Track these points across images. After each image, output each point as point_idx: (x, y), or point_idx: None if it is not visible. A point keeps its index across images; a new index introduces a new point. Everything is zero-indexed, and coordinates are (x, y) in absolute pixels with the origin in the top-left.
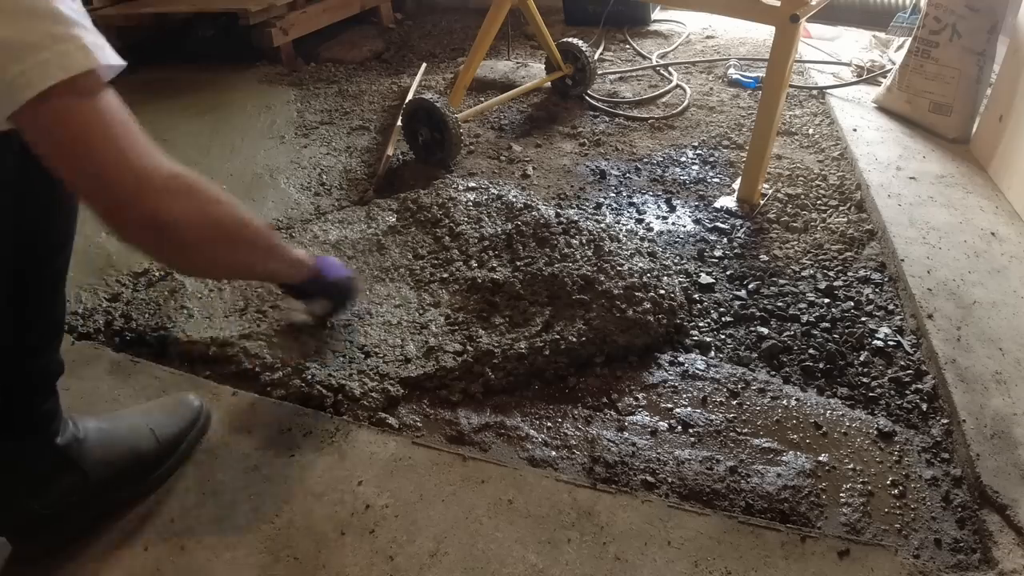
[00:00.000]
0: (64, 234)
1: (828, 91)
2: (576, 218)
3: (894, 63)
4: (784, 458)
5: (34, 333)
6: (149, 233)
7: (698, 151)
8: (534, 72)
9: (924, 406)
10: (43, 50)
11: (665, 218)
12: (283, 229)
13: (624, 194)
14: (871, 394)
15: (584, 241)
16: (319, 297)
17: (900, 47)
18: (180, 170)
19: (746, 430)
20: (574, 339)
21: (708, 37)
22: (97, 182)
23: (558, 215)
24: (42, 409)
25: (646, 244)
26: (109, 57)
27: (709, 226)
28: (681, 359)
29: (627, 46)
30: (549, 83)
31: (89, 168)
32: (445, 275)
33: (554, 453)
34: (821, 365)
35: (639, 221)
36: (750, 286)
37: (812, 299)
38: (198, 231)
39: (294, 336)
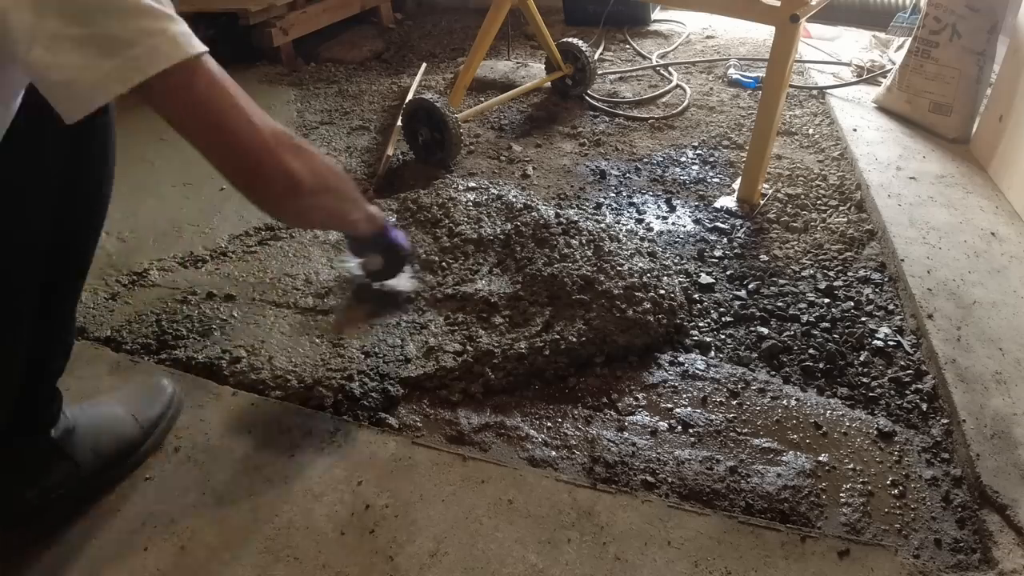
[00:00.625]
0: (94, 237)
1: (828, 91)
2: (576, 218)
3: (894, 63)
4: (784, 458)
5: (59, 345)
6: (280, 186)
7: (698, 151)
8: (534, 72)
9: (924, 406)
10: (137, 45)
11: (665, 218)
12: (282, 229)
13: (624, 194)
14: (871, 394)
15: (584, 241)
16: (376, 253)
17: (900, 47)
18: (284, 128)
19: (746, 430)
20: (574, 339)
21: (708, 37)
22: (229, 149)
23: (558, 215)
24: (49, 410)
25: (646, 244)
26: (197, 45)
27: (709, 226)
28: (681, 359)
29: (627, 46)
30: (549, 83)
31: (221, 138)
32: None
33: (554, 453)
34: (821, 365)
35: (639, 221)
36: (750, 286)
37: (812, 299)
38: (314, 181)
39: (350, 304)
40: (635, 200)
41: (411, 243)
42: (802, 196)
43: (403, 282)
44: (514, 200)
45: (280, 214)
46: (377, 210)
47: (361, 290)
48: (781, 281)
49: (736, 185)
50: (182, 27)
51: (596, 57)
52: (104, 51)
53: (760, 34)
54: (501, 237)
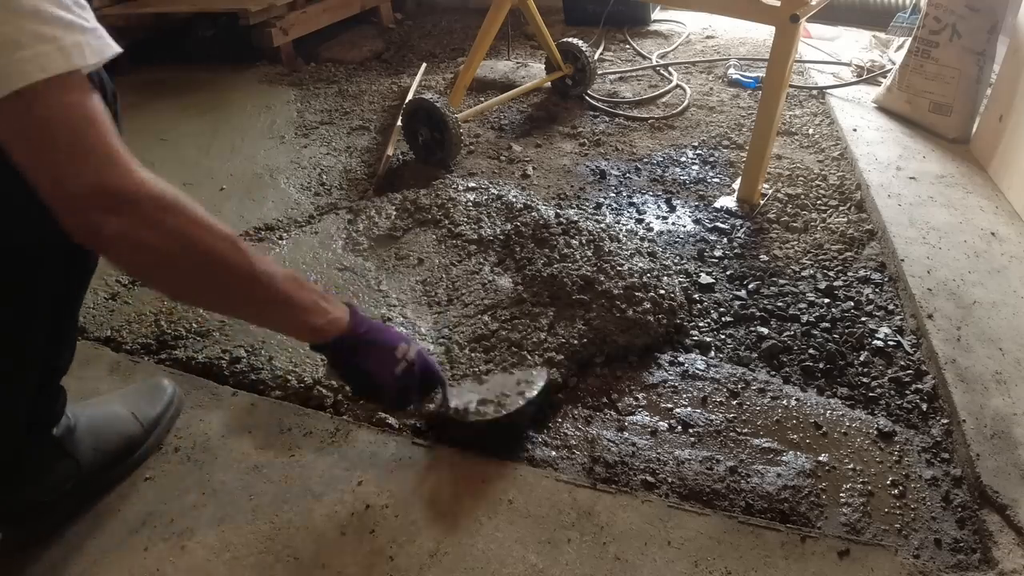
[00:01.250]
0: None
1: (828, 91)
2: (576, 218)
3: (894, 63)
4: (784, 458)
5: (64, 343)
6: (92, 243)
7: (698, 151)
8: (534, 72)
9: (924, 406)
10: (22, 48)
11: (665, 218)
12: (283, 229)
13: (624, 194)
14: (871, 394)
15: (584, 241)
16: (335, 371)
17: (900, 47)
18: (159, 189)
19: (746, 430)
20: (574, 340)
21: (708, 37)
22: (52, 183)
23: (558, 215)
24: (52, 408)
25: (646, 244)
26: (89, 56)
27: (709, 226)
28: (681, 359)
29: (627, 46)
30: (549, 83)
31: (45, 169)
32: None
33: (554, 453)
34: (821, 365)
35: (639, 221)
36: (750, 286)
37: (812, 299)
38: (169, 245)
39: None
40: (635, 200)
41: (434, 365)
42: (802, 196)
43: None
44: (514, 200)
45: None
46: (335, 316)
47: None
48: (781, 281)
49: (736, 185)
50: (79, 36)
51: (596, 57)
52: None
53: (760, 34)
54: (501, 237)
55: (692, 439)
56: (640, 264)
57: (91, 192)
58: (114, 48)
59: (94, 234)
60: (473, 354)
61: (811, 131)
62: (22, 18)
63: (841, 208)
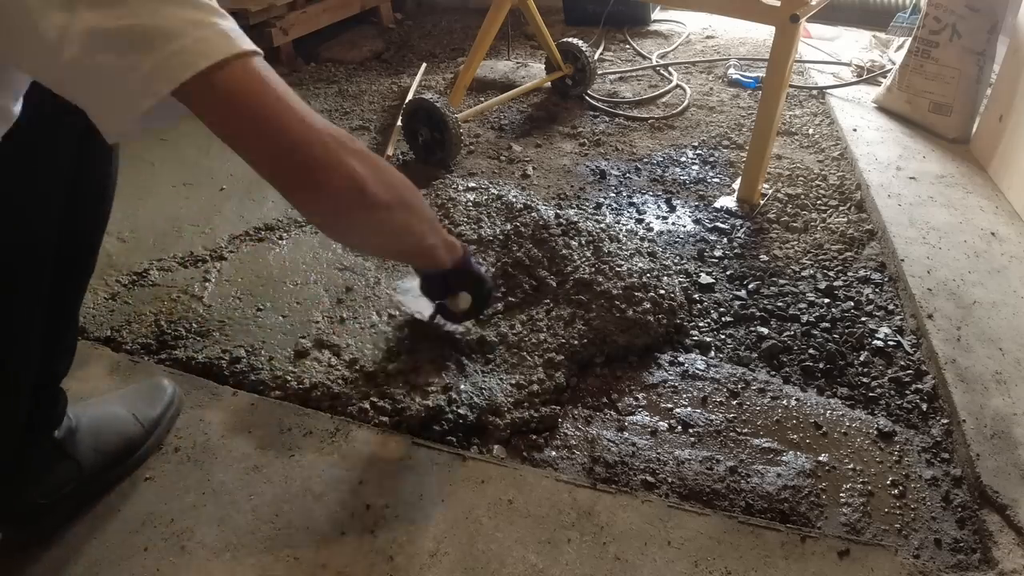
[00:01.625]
0: (100, 236)
1: (828, 91)
2: (576, 218)
3: (894, 63)
4: (784, 458)
5: (64, 346)
6: (342, 191)
7: (698, 151)
8: (534, 72)
9: (924, 406)
10: (183, 37)
11: (665, 218)
12: (283, 229)
13: (624, 194)
14: (871, 394)
15: (584, 242)
16: (460, 290)
17: (900, 47)
18: (352, 138)
19: (746, 430)
20: (575, 340)
21: (708, 37)
22: (280, 148)
23: (558, 215)
24: (54, 411)
25: (646, 244)
26: (249, 43)
27: (709, 226)
28: (681, 359)
29: (627, 46)
30: (549, 83)
31: (271, 137)
32: None
33: (554, 453)
34: (821, 365)
35: (639, 221)
36: (750, 286)
37: (812, 299)
38: (385, 191)
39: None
40: (635, 200)
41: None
42: (802, 196)
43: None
44: (514, 200)
45: (340, 228)
46: (454, 238)
47: (422, 328)
48: (781, 281)
49: (736, 185)
50: (232, 23)
51: (596, 57)
52: (145, 45)
53: (760, 34)
54: (500, 238)
55: (692, 439)
56: (640, 264)
57: (330, 139)
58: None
59: (355, 177)
60: (473, 354)
61: (811, 131)
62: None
63: (841, 208)
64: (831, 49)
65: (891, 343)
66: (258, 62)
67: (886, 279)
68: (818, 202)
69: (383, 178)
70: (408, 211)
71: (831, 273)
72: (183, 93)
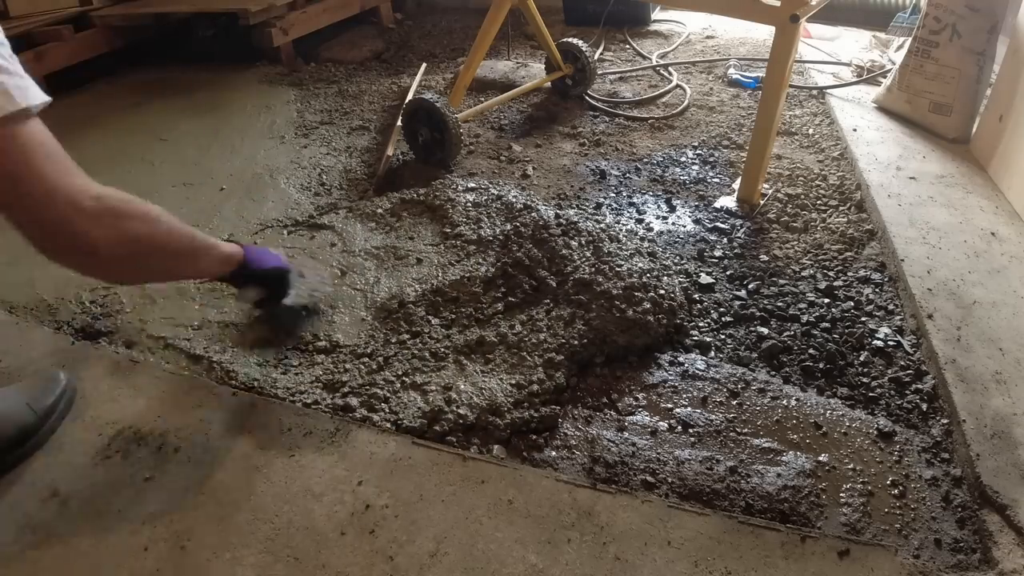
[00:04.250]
0: None
1: (828, 91)
2: (576, 218)
3: (894, 63)
4: (784, 458)
5: None
6: (76, 256)
7: (698, 151)
8: (534, 72)
9: (924, 406)
10: None
11: (665, 218)
12: (285, 228)
13: (624, 194)
14: (871, 394)
15: (584, 242)
16: (250, 286)
17: (900, 47)
18: (103, 191)
19: (746, 430)
20: (575, 340)
21: (708, 37)
22: (26, 206)
23: (558, 216)
24: None
25: (646, 244)
26: (32, 97)
27: (709, 226)
28: (681, 359)
29: (627, 46)
30: (549, 83)
31: (18, 198)
32: None
33: (554, 453)
34: (821, 365)
35: (639, 221)
36: (750, 286)
37: (812, 299)
38: (121, 249)
39: (251, 325)
40: (635, 200)
41: (283, 259)
42: (802, 196)
43: (299, 297)
44: (514, 200)
45: (93, 277)
46: (231, 248)
47: (259, 315)
48: (781, 281)
49: (736, 185)
50: (18, 80)
51: (596, 57)
52: None
53: (760, 34)
54: (500, 238)
55: (692, 439)
56: (640, 264)
57: (65, 203)
58: (45, 97)
59: (82, 242)
60: (473, 354)
61: (811, 131)
62: None
63: (841, 208)
64: (831, 49)
65: (891, 343)
66: (28, 126)
67: (886, 279)
68: (818, 202)
69: (121, 236)
70: (154, 257)
71: (831, 273)
72: None
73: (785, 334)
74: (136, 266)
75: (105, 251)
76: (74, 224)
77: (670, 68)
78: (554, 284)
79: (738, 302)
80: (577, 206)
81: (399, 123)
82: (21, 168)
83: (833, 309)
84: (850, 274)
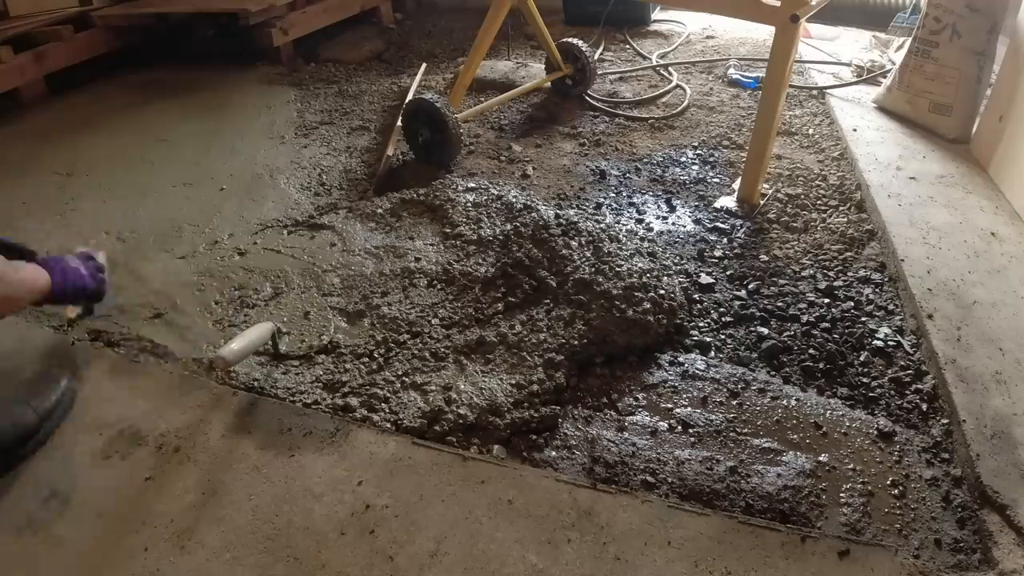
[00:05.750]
0: None
1: (828, 91)
2: (576, 219)
3: (894, 63)
4: (784, 458)
5: None
6: None
7: (698, 151)
8: (534, 72)
9: (924, 406)
10: None
11: (665, 218)
12: (285, 228)
13: (624, 194)
14: (871, 394)
15: (584, 242)
16: (69, 303)
17: (900, 47)
18: None
19: (746, 430)
20: (575, 340)
21: (708, 37)
22: None
23: (558, 216)
24: None
25: (646, 244)
26: None
27: (709, 226)
28: (681, 359)
29: (627, 46)
30: (549, 83)
31: None
32: None
33: (554, 453)
34: (821, 365)
35: (639, 221)
36: (750, 286)
37: (812, 299)
38: None
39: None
40: (635, 200)
41: (87, 266)
42: (802, 196)
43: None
44: (514, 200)
45: None
46: (36, 274)
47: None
48: (781, 281)
49: (736, 185)
50: None
51: (596, 57)
52: None
53: (760, 34)
54: (500, 238)
55: (692, 439)
56: (640, 264)
57: None
58: None
59: None
60: (473, 355)
61: (811, 131)
62: None
63: (841, 208)
64: (831, 49)
65: (891, 343)
66: None
67: (886, 279)
68: (818, 202)
69: None
70: None
71: (831, 273)
72: None
73: (785, 334)
74: None
75: None
76: None
77: (670, 68)
78: (554, 284)
79: (738, 302)
80: (577, 206)
81: (399, 123)
82: None
83: (833, 309)
84: (850, 274)
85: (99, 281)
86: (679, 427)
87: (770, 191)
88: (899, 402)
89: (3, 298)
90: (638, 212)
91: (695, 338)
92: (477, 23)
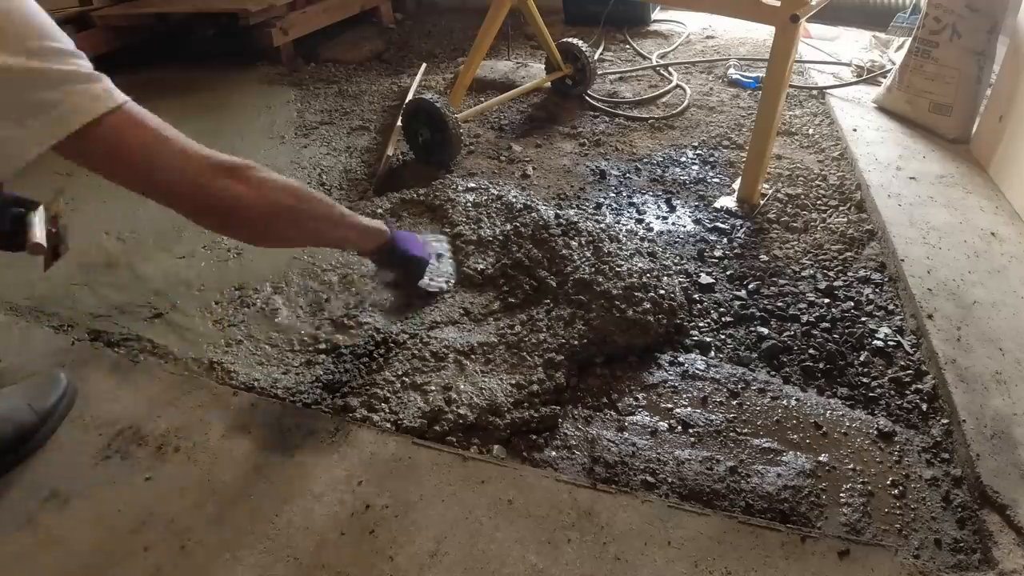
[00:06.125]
0: None
1: (828, 91)
2: (576, 218)
3: (894, 63)
4: (784, 458)
5: None
6: (224, 211)
7: (698, 151)
8: (534, 72)
9: (924, 406)
10: (68, 98)
11: (665, 218)
12: None
13: (624, 194)
14: (871, 394)
15: (584, 242)
16: (387, 267)
17: (900, 47)
18: (231, 159)
19: (746, 430)
20: (575, 340)
21: (708, 37)
22: (165, 186)
23: (558, 216)
24: None
25: (646, 244)
26: (117, 97)
27: (709, 226)
28: (681, 359)
29: (627, 46)
30: (549, 83)
31: (153, 177)
32: None
33: (554, 453)
34: (821, 365)
35: (639, 221)
36: (750, 286)
37: (812, 299)
38: (263, 204)
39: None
40: (635, 200)
41: (432, 249)
42: (802, 196)
43: (432, 282)
44: (514, 200)
45: (236, 236)
46: (377, 224)
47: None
48: (781, 281)
49: (736, 185)
50: (104, 84)
51: (596, 57)
52: (31, 114)
53: (760, 34)
54: (500, 238)
55: (692, 439)
56: (640, 264)
57: (195, 180)
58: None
59: (219, 203)
60: (473, 355)
61: (811, 131)
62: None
63: (841, 208)
64: (831, 49)
65: (891, 343)
66: (128, 111)
67: (886, 279)
68: (818, 202)
69: (263, 191)
70: (294, 216)
71: (831, 273)
72: (70, 149)
73: (785, 334)
74: (276, 227)
75: (253, 207)
76: (211, 189)
77: (670, 68)
78: (554, 284)
79: (738, 302)
80: (577, 206)
81: (399, 123)
82: (149, 152)
83: (833, 309)
84: (850, 274)
85: (429, 256)
86: (679, 427)
87: (770, 191)
88: (899, 402)
89: (330, 218)
90: (638, 212)
91: (695, 338)
92: (477, 23)
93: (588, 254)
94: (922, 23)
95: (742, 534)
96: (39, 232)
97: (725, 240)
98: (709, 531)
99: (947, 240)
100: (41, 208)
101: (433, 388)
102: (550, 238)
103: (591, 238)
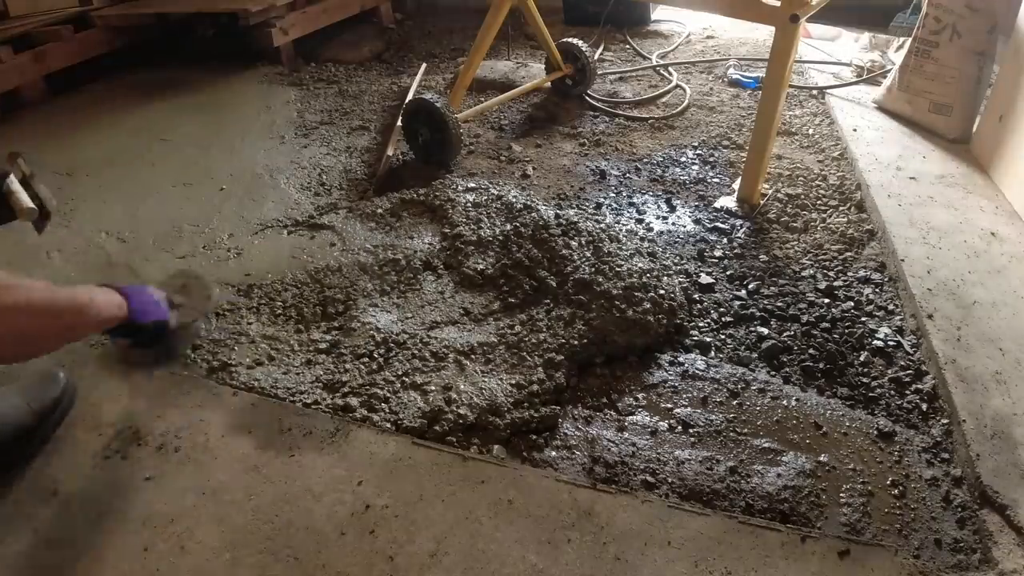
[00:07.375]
0: None
1: (828, 91)
2: (576, 219)
3: (894, 63)
4: (784, 458)
5: None
6: None
7: (698, 151)
8: (534, 72)
9: (924, 406)
10: None
11: (665, 218)
12: (285, 228)
13: (624, 194)
14: (871, 394)
15: (584, 242)
16: (126, 336)
17: (900, 47)
18: None
19: (746, 430)
20: (575, 340)
21: (708, 37)
22: None
23: (558, 216)
24: None
25: (646, 244)
26: None
27: (709, 226)
28: (681, 359)
29: (627, 46)
30: (549, 83)
31: None
32: None
33: (554, 453)
34: (821, 365)
35: (639, 221)
36: (750, 286)
37: (812, 299)
38: None
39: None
40: (635, 200)
41: (165, 308)
42: (802, 196)
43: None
44: (514, 200)
45: None
46: (114, 300)
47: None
48: (781, 281)
49: (736, 185)
50: None
51: (596, 57)
52: None
53: (760, 34)
54: (500, 238)
55: (692, 439)
56: (640, 264)
57: None
58: None
59: None
60: (473, 355)
61: (811, 131)
62: None
63: (841, 208)
64: (831, 49)
65: (891, 343)
66: None
67: (886, 279)
68: (818, 202)
69: None
70: (21, 334)
71: (831, 273)
72: None
73: (785, 334)
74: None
75: None
76: None
77: (670, 68)
78: (554, 284)
79: (738, 302)
80: (577, 206)
81: (399, 123)
82: None
83: (833, 309)
84: (850, 274)
85: (168, 314)
86: (679, 427)
87: (770, 191)
88: (899, 402)
89: (66, 328)
90: (638, 212)
91: (695, 338)
92: (477, 23)
93: (588, 254)
94: (922, 23)
95: (742, 534)
96: (24, 197)
97: (725, 240)
98: (709, 531)
99: (947, 240)
100: (11, 176)
101: (433, 388)
102: (550, 238)
103: (591, 238)
